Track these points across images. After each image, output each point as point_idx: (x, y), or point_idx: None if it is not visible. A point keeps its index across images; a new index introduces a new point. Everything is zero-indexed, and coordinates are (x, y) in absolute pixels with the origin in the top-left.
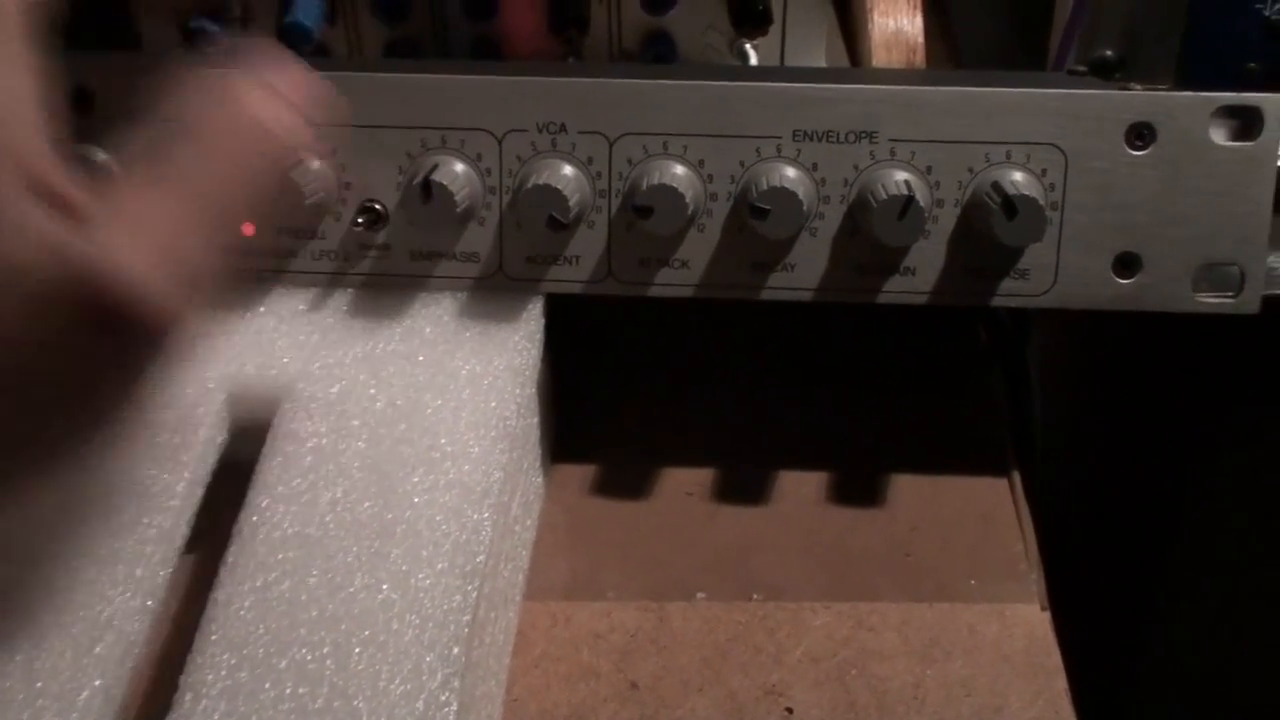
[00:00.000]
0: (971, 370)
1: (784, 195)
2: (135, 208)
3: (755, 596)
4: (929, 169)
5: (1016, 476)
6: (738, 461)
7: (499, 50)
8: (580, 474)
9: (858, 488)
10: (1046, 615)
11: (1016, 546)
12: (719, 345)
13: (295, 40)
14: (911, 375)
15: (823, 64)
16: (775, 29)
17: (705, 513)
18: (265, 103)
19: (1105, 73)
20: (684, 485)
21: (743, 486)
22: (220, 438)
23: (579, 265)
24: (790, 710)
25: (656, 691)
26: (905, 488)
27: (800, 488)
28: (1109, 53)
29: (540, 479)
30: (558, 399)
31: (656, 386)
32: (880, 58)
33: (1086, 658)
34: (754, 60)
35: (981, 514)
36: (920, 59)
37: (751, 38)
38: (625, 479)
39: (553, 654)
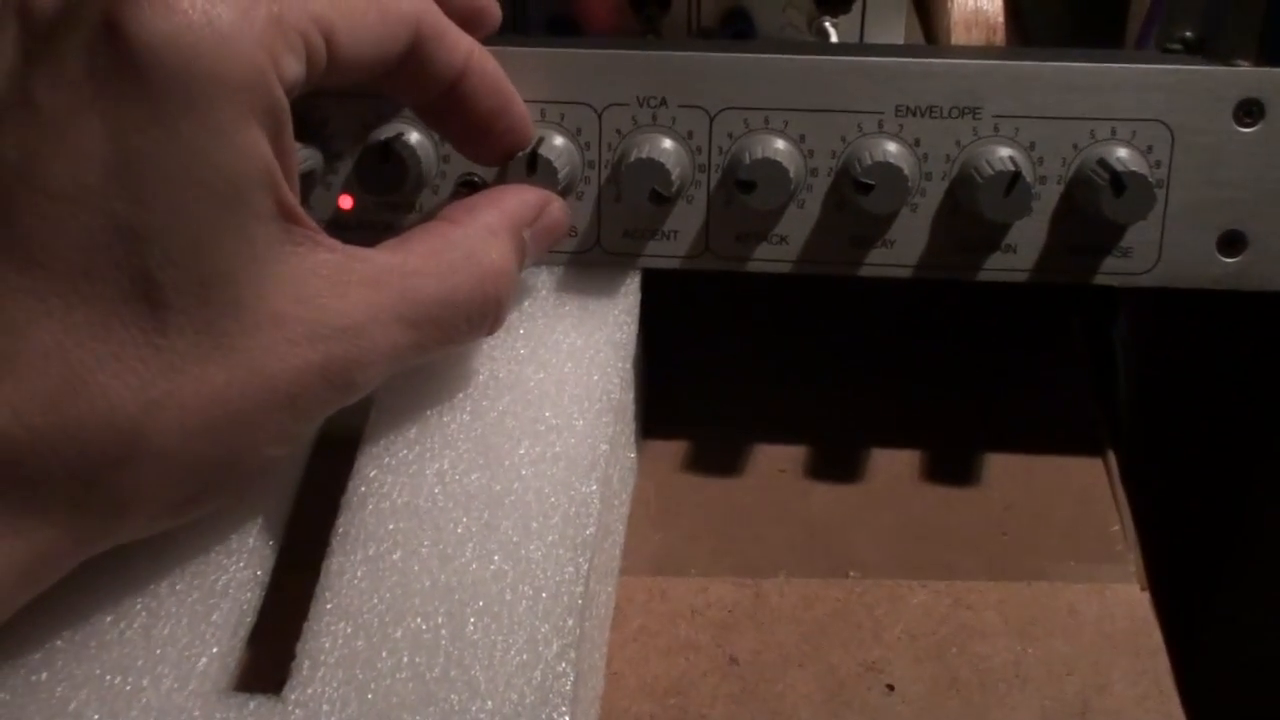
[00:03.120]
0: (1060, 350)
1: (888, 170)
2: (381, 283)
3: (851, 574)
4: (1032, 145)
5: (1111, 456)
6: (830, 439)
7: (577, 28)
8: (672, 450)
9: (950, 466)
10: (1146, 595)
11: (1114, 526)
12: (810, 322)
13: None
14: (1001, 354)
15: (901, 42)
16: (855, 7)
17: (798, 490)
18: (512, 272)
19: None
20: (776, 462)
21: (835, 464)
22: None
23: (676, 240)
24: (891, 686)
25: (755, 666)
26: (998, 466)
27: (892, 465)
28: (1188, 33)
29: (634, 454)
30: (649, 375)
31: (747, 363)
32: (960, 36)
33: (1182, 637)
34: (834, 38)
35: (1076, 493)
36: (1000, 38)
37: (834, 15)
38: (717, 455)
39: (651, 628)
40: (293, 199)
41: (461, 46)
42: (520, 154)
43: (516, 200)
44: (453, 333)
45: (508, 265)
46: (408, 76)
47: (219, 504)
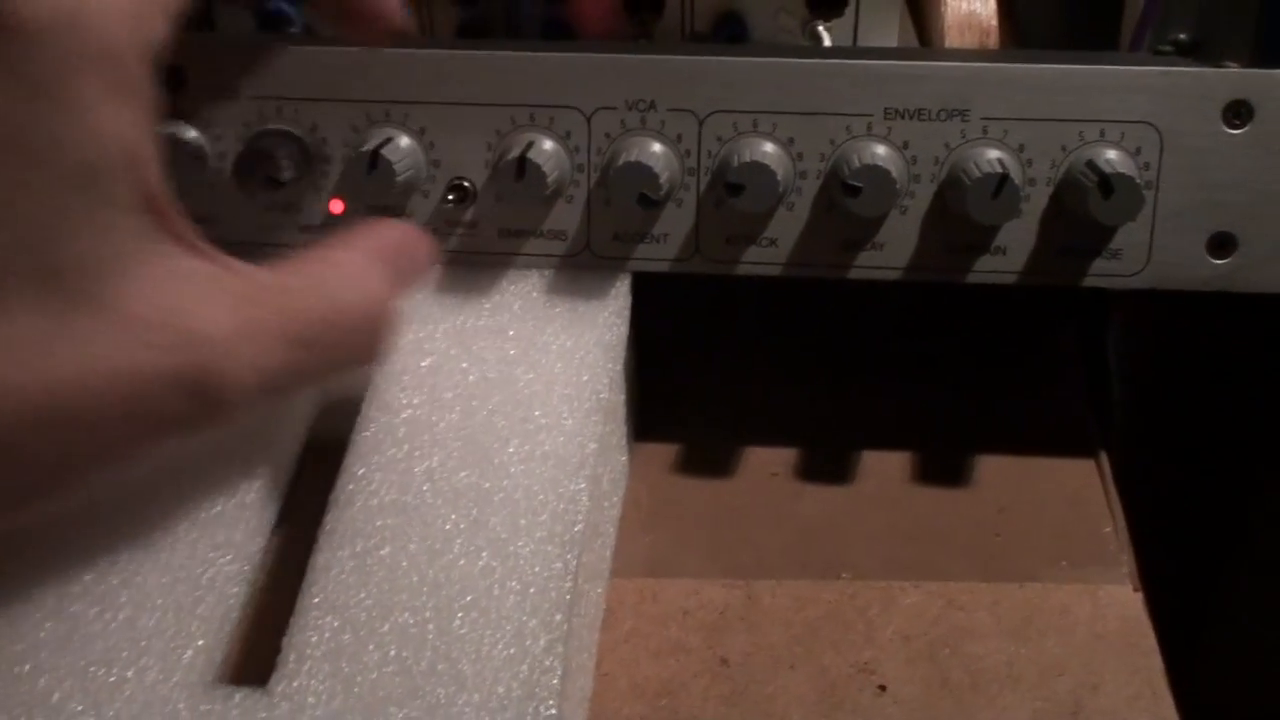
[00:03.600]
0: (1052, 353)
1: (877, 173)
2: (251, 296)
3: (844, 575)
4: (1021, 147)
5: (1104, 458)
6: (821, 442)
7: (570, 32)
8: (663, 453)
9: (943, 468)
10: (1139, 596)
11: (1106, 528)
12: (801, 325)
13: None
14: (992, 357)
15: (895, 46)
16: (848, 11)
17: (790, 492)
18: (387, 297)
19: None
20: (768, 465)
21: (827, 466)
22: (310, 409)
23: (666, 243)
24: (883, 687)
25: (747, 668)
26: (991, 468)
27: (884, 468)
28: (1182, 36)
29: (625, 457)
30: (639, 378)
31: (739, 366)
32: (953, 39)
33: (1175, 638)
34: (827, 42)
35: (1069, 495)
36: (994, 41)
37: (827, 19)
38: (708, 458)
39: (642, 630)
40: (159, 189)
41: None
42: (509, 158)
43: (395, 232)
44: (332, 356)
45: (385, 290)
46: None
47: (47, 509)
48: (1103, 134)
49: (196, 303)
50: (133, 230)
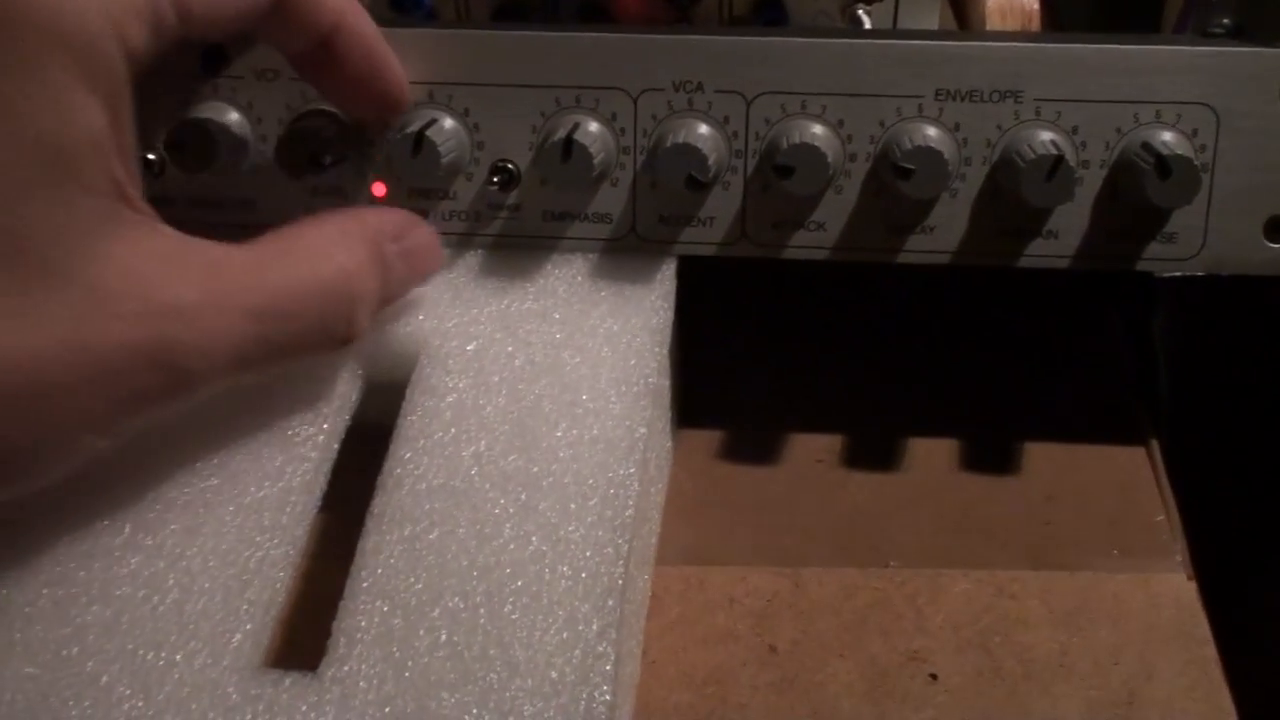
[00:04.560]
0: (1099, 338)
1: (929, 155)
2: (218, 270)
3: (891, 563)
4: (1075, 129)
5: (1155, 446)
6: (867, 428)
7: (608, 15)
8: (707, 439)
9: (990, 455)
10: (1193, 585)
11: (1158, 516)
12: (846, 310)
13: (407, 6)
14: (1038, 343)
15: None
16: None
17: (836, 479)
18: (362, 277)
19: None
20: (813, 452)
21: (873, 453)
22: (354, 394)
23: (712, 226)
24: (934, 676)
25: (796, 655)
26: (1039, 455)
27: (931, 455)
28: (1225, 20)
29: (669, 443)
30: (684, 364)
31: (783, 352)
32: (994, 24)
33: (1229, 628)
34: (867, 25)
35: (1119, 483)
36: (1035, 25)
37: (867, 2)
38: (753, 445)
39: (688, 617)
40: (128, 179)
41: (332, 4)
42: (554, 139)
43: (375, 213)
44: (302, 331)
45: (361, 269)
46: (273, 31)
47: (26, 487)
48: (1158, 115)
49: (162, 276)
50: (99, 211)
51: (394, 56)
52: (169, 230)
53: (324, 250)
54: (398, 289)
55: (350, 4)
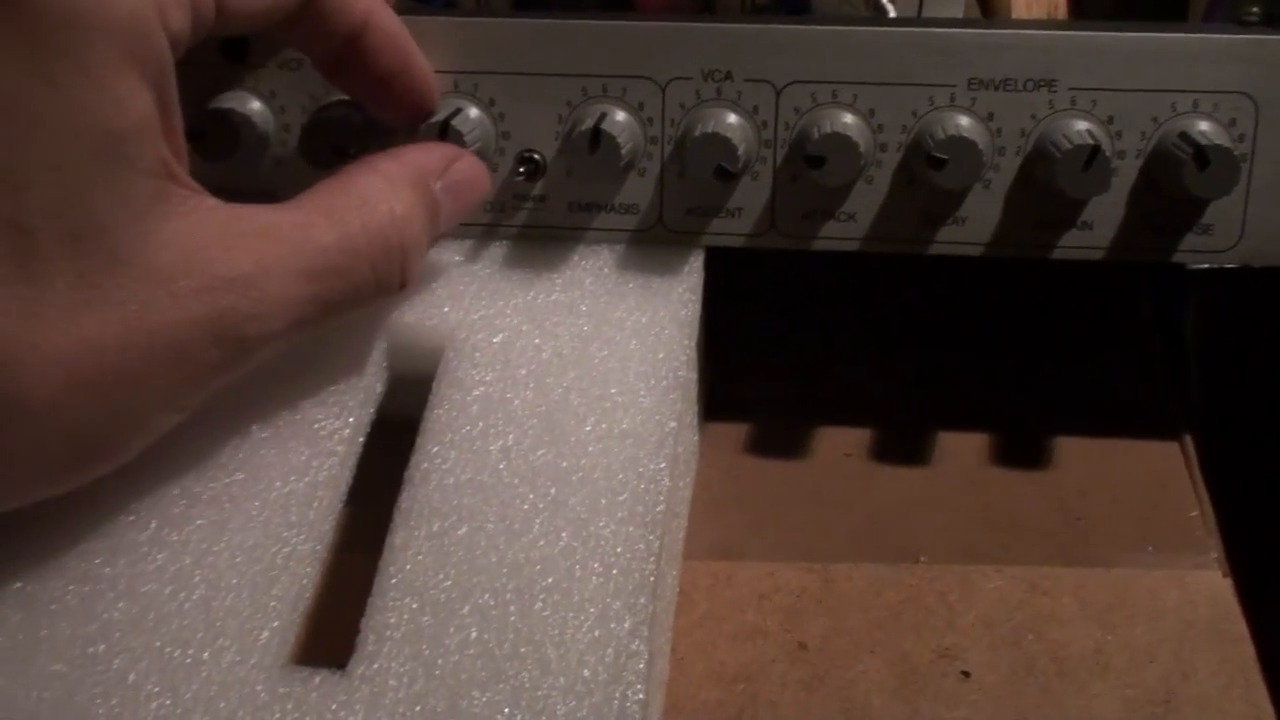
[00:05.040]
0: (1129, 332)
1: (962, 145)
2: (273, 237)
3: (922, 559)
4: (1110, 119)
5: (1189, 441)
6: (895, 422)
7: (630, 4)
8: (734, 434)
9: (1021, 450)
10: (1229, 582)
11: (1192, 512)
12: (875, 303)
13: None
14: (1069, 338)
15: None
16: None
17: (864, 474)
18: (412, 220)
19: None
20: (841, 446)
21: (902, 448)
22: (379, 387)
23: (741, 218)
24: (967, 673)
25: (826, 652)
26: (1070, 451)
27: (961, 450)
28: (1255, 8)
29: (696, 437)
30: (711, 357)
31: (810, 345)
32: (1020, 12)
33: (1265, 626)
34: (892, 14)
35: (1152, 478)
36: (1062, 12)
37: None
38: (780, 439)
39: (716, 613)
40: (174, 158)
41: (361, 3)
42: (581, 129)
43: (420, 152)
44: (356, 283)
45: (410, 212)
46: (305, 28)
47: (102, 470)
48: (1195, 105)
49: (216, 250)
50: (151, 192)
51: (421, 55)
52: (217, 203)
53: (371, 199)
54: (445, 224)
55: (378, 1)
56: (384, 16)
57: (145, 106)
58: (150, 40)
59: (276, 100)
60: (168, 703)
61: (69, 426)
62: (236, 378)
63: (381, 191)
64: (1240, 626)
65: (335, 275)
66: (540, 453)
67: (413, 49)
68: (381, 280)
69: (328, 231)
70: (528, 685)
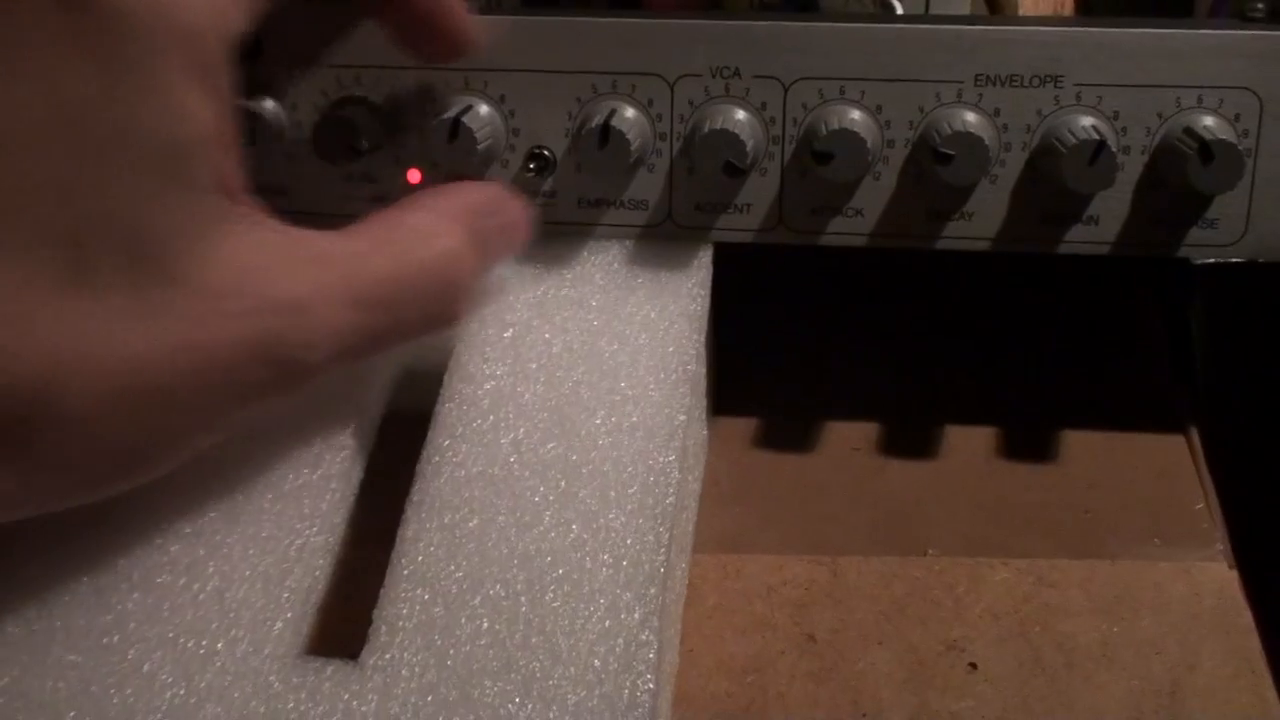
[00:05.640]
0: (1135, 325)
1: (969, 140)
2: (327, 262)
3: (930, 552)
4: (1116, 114)
5: (1194, 433)
6: (903, 416)
7: (639, 2)
8: (743, 428)
9: (1028, 444)
10: (1235, 574)
11: (1198, 504)
12: (883, 297)
13: None
14: (1075, 332)
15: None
16: None
17: (873, 467)
18: (463, 259)
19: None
20: (849, 439)
21: (910, 442)
22: (391, 381)
23: (749, 213)
24: (974, 665)
25: (834, 644)
26: (1077, 444)
27: (969, 443)
28: (1259, 5)
29: (705, 431)
30: (719, 351)
31: (818, 339)
32: (1027, 9)
33: (1270, 618)
34: (899, 11)
35: (1158, 471)
36: (1068, 8)
37: None
38: (788, 433)
39: (726, 606)
40: (233, 173)
41: None
42: (590, 126)
43: (475, 191)
44: (406, 318)
45: (461, 251)
46: None
47: (138, 483)
48: (1200, 100)
49: (271, 272)
50: (209, 208)
51: None
52: (274, 223)
53: (424, 235)
54: (493, 264)
55: None
56: None
57: (205, 118)
58: (210, 50)
59: (289, 98)
60: (181, 692)
61: (113, 440)
62: (280, 405)
63: (434, 227)
64: (1246, 618)
65: (385, 308)
66: (550, 446)
67: None
68: (430, 316)
69: (381, 263)
70: (538, 675)
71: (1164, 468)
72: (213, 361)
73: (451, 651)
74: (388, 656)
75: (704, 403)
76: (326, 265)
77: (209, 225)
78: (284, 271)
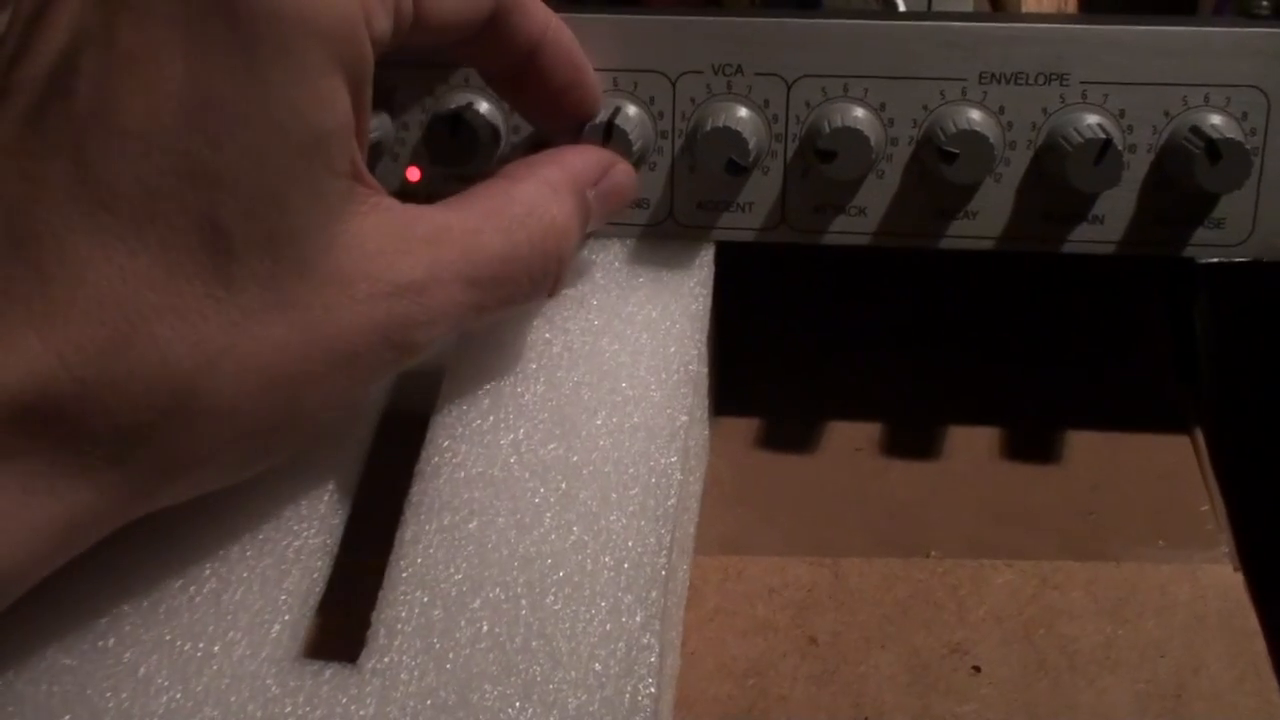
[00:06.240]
0: (1139, 326)
1: (973, 138)
2: (443, 241)
3: (932, 554)
4: (1122, 112)
5: (1200, 435)
6: (906, 417)
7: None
8: (745, 428)
9: (1031, 444)
10: (1239, 576)
11: (1203, 506)
12: (886, 297)
13: None
14: (1079, 332)
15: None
16: None
17: (875, 468)
18: (574, 234)
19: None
20: (852, 441)
21: (913, 443)
22: (390, 381)
23: (751, 212)
24: (977, 668)
25: (836, 647)
26: (1081, 445)
27: (972, 444)
28: (1265, 2)
29: (707, 431)
30: (721, 351)
31: (821, 339)
32: (1030, 6)
33: (1274, 620)
34: (902, 8)
35: (1163, 472)
36: (1072, 6)
37: None
38: (791, 434)
39: (727, 608)
40: (361, 158)
41: (539, 17)
42: (594, 123)
43: (580, 158)
44: (514, 291)
45: (570, 223)
46: (487, 44)
47: (266, 466)
48: (1207, 99)
49: (392, 253)
50: (342, 193)
51: (590, 66)
52: (393, 202)
53: (537, 209)
54: (593, 229)
55: (552, 14)
56: (559, 31)
57: (346, 108)
58: (356, 42)
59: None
60: (178, 696)
61: (246, 427)
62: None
63: (546, 200)
64: (1251, 620)
65: (497, 284)
66: (551, 447)
67: (584, 62)
68: (536, 287)
69: (495, 240)
70: (539, 679)
71: (1168, 469)
72: (342, 345)
73: (451, 655)
74: (386, 660)
75: (706, 403)
76: (444, 244)
77: (340, 208)
78: (405, 251)
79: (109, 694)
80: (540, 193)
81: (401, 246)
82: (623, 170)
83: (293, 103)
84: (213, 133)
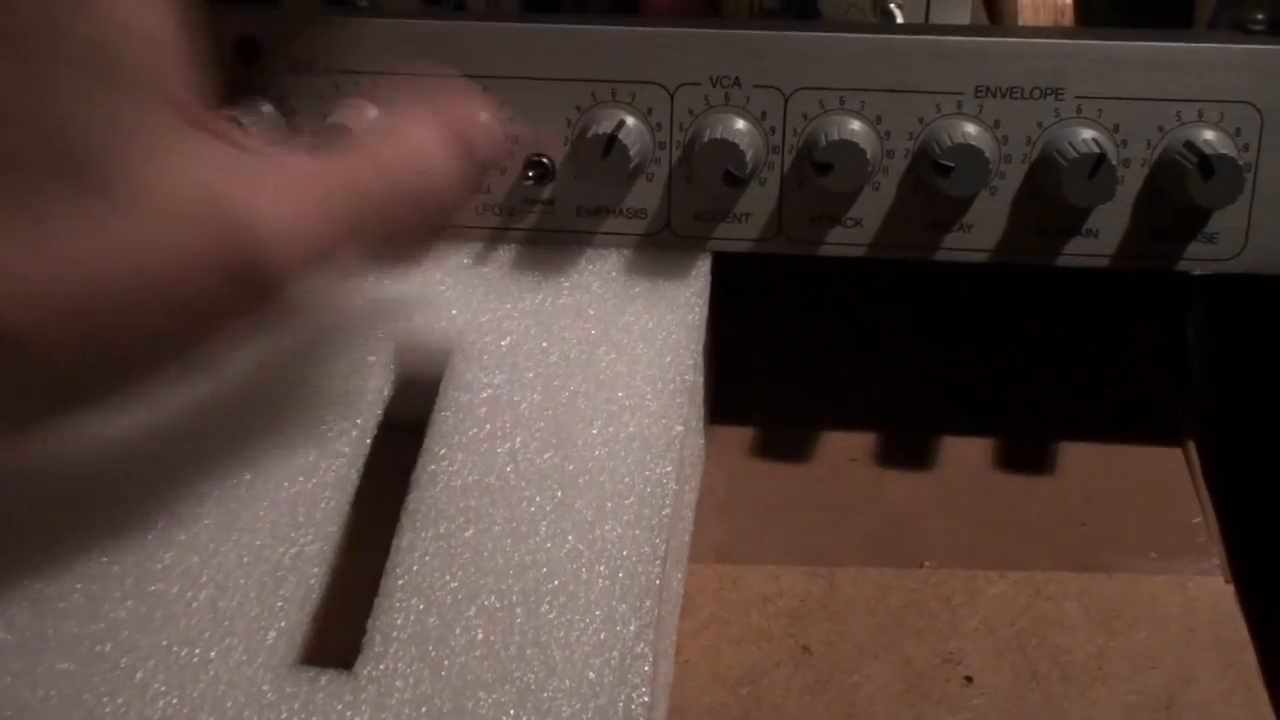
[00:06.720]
0: (1133, 338)
1: (969, 152)
2: (287, 173)
3: (926, 564)
4: (1116, 127)
5: (1192, 447)
6: (900, 427)
7: (637, 7)
8: (740, 438)
9: (1025, 456)
10: (1231, 588)
11: (1195, 518)
12: (881, 308)
13: None
14: (1073, 343)
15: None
16: None
17: (869, 478)
18: (436, 150)
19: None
20: (846, 451)
21: (907, 453)
22: (386, 390)
23: (748, 223)
24: (970, 679)
25: (830, 656)
26: (1074, 456)
27: (966, 455)
28: (1259, 15)
29: (702, 440)
30: (716, 360)
31: (816, 350)
32: (1027, 19)
33: (1266, 632)
34: (900, 20)
35: (1155, 484)
36: (1068, 20)
37: None
38: (786, 443)
39: (721, 617)
40: (188, 91)
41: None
42: (596, 134)
43: (462, 105)
44: (382, 217)
45: (435, 147)
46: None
47: (89, 412)
48: (1201, 114)
49: (227, 183)
50: (158, 122)
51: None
52: (234, 137)
53: (394, 130)
54: (465, 163)
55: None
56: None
57: (141, 26)
58: None
59: (288, 103)
60: (174, 701)
61: (65, 361)
62: (256, 325)
63: (405, 125)
64: (1242, 632)
65: (351, 200)
66: (547, 455)
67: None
68: (409, 210)
69: (358, 167)
70: (533, 687)
71: (1161, 481)
72: (163, 273)
73: (446, 662)
74: (382, 667)
75: (702, 412)
76: (293, 178)
77: (154, 138)
78: (243, 183)
79: (105, 699)
80: (398, 121)
81: (244, 177)
82: (488, 116)
83: (81, 26)
84: (6, 56)
